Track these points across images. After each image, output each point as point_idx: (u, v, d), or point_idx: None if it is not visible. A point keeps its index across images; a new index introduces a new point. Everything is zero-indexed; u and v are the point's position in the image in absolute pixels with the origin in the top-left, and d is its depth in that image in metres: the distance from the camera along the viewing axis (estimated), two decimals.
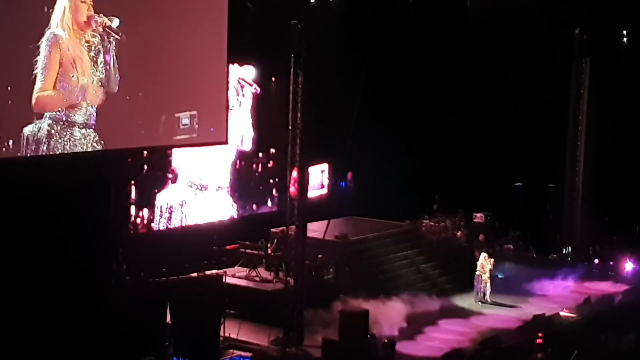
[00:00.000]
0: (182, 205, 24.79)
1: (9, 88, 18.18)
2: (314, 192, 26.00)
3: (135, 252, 21.89)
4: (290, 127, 22.32)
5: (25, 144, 18.82)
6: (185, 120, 21.60)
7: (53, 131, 19.29)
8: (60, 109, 19.39)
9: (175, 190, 24.68)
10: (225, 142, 23.40)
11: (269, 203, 27.22)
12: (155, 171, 23.76)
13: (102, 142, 20.05)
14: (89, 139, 19.92)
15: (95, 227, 19.90)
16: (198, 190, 25.26)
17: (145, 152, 22.91)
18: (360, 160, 27.98)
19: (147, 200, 23.70)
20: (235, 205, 26.32)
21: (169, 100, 21.32)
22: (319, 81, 23.28)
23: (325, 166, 28.25)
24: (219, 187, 25.95)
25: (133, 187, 23.12)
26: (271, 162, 27.08)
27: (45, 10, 18.70)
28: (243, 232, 25.40)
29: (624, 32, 30.47)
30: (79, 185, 19.31)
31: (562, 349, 21.06)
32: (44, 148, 19.15)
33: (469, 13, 30.32)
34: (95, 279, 19.55)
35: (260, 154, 27.00)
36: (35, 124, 19.01)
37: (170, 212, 24.54)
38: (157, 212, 24.11)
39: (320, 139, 24.43)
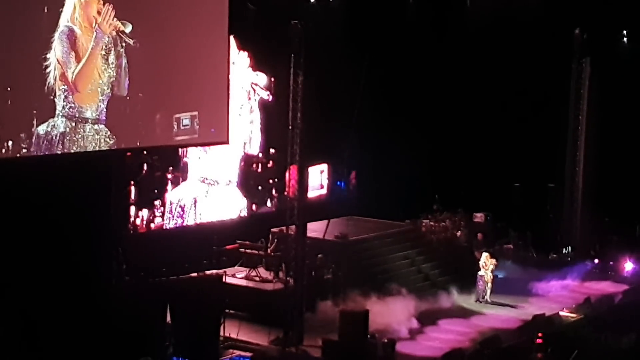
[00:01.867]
0: (195, 201, 25.07)
1: (9, 89, 18.17)
2: (313, 193, 25.98)
3: (135, 252, 21.88)
4: (290, 127, 22.32)
5: (39, 142, 18.96)
6: (186, 121, 21.63)
7: (68, 129, 19.52)
8: (73, 104, 19.58)
9: (188, 187, 24.91)
10: (227, 142, 23.40)
11: (269, 203, 27.23)
12: (157, 171, 23.78)
13: (115, 137, 20.30)
14: (102, 135, 20.18)
15: (95, 227, 19.89)
16: (210, 186, 25.50)
17: (144, 152, 22.92)
18: (360, 160, 28.00)
19: (152, 199, 23.76)
20: (245, 200, 26.53)
21: (169, 100, 21.34)
22: (319, 81, 23.26)
23: (324, 166, 28.24)
24: (229, 181, 26.17)
25: (133, 187, 23.12)
26: (271, 162, 27.09)
27: (46, 10, 18.68)
28: (243, 232, 25.40)
29: (624, 32, 30.45)
30: (78, 185, 19.31)
31: (562, 349, 21.05)
32: (59, 146, 19.35)
33: (469, 13, 30.30)
34: (95, 279, 19.55)
35: (260, 154, 27.02)
36: (49, 123, 19.16)
37: (183, 210, 24.74)
38: (167, 209, 24.31)
39: (320, 139, 24.41)
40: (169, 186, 24.38)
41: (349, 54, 26.83)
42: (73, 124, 19.59)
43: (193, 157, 24.97)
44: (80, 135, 19.79)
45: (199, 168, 25.23)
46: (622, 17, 29.48)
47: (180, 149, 24.33)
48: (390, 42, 28.86)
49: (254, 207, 26.92)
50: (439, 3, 30.37)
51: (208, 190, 25.48)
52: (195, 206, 25.04)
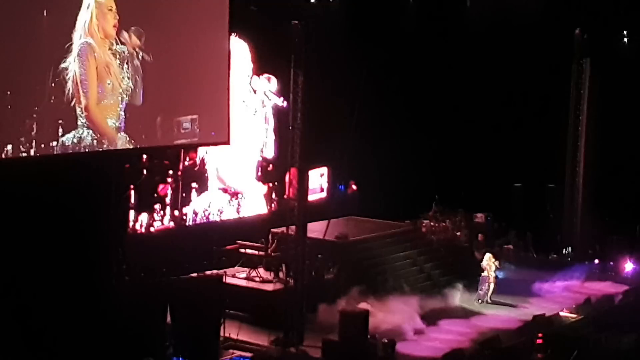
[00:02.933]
0: (220, 212, 25.61)
1: (9, 93, 18.18)
2: (313, 196, 25.97)
3: (136, 253, 21.90)
4: (290, 128, 22.33)
5: (66, 152, 19.26)
6: (186, 124, 21.67)
7: (95, 142, 19.82)
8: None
9: (209, 197, 25.24)
10: (227, 143, 23.44)
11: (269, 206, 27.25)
12: (157, 175, 23.83)
13: (133, 141, 20.68)
14: (121, 142, 20.52)
15: (95, 228, 19.91)
16: (232, 198, 25.92)
17: (144, 156, 22.98)
18: (360, 161, 27.98)
19: (152, 203, 23.82)
20: (264, 201, 26.87)
21: (170, 104, 21.39)
22: (319, 82, 23.25)
23: (324, 170, 28.26)
24: (247, 188, 26.48)
25: (132, 191, 23.14)
26: (271, 165, 27.09)
27: (45, 14, 18.66)
28: (244, 233, 25.42)
29: (624, 32, 30.45)
30: (79, 186, 19.32)
31: (562, 350, 21.05)
32: None
33: (469, 13, 30.31)
34: (95, 280, 19.56)
35: (260, 157, 27.02)
36: (74, 134, 19.43)
37: (207, 217, 25.25)
38: (190, 216, 24.70)
39: (320, 142, 24.41)
40: (178, 194, 24.55)
41: (350, 55, 26.83)
42: (98, 135, 19.92)
43: (211, 168, 25.21)
44: (105, 145, 20.14)
45: (219, 178, 25.48)
46: (622, 17, 29.47)
47: (197, 161, 24.66)
48: (390, 43, 28.87)
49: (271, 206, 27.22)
50: (439, 3, 30.38)
51: (230, 200, 25.81)
52: (220, 216, 25.59)
